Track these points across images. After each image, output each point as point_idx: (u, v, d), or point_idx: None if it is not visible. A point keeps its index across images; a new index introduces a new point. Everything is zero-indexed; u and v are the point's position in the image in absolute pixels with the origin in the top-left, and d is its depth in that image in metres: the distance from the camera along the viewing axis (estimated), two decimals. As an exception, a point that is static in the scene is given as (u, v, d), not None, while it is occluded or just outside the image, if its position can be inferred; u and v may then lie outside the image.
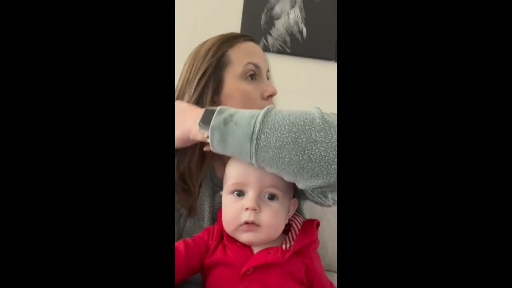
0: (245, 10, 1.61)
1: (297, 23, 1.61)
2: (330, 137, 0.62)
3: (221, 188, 0.80)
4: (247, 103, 0.82)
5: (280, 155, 0.63)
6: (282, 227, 0.70)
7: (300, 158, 0.62)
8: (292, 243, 0.69)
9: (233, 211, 0.69)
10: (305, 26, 1.61)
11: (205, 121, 0.67)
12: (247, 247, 0.69)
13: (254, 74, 0.85)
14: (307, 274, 0.69)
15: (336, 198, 0.69)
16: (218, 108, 0.68)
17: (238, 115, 0.66)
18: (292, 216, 0.74)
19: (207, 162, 0.84)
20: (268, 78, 0.89)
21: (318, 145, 0.62)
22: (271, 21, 1.61)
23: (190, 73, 0.84)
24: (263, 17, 1.61)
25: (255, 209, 0.67)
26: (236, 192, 0.70)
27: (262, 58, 0.88)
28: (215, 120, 0.66)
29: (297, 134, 0.62)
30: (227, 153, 0.67)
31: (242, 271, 0.66)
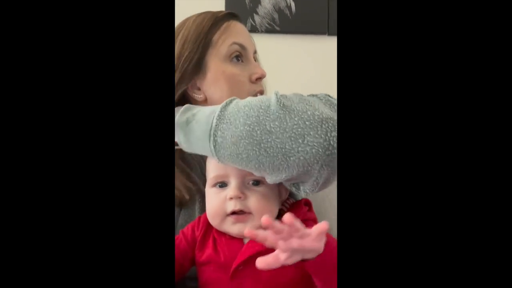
0: (228, -11, 1.54)
1: (284, -3, 1.55)
2: (285, 126, 0.57)
3: None
4: (234, 87, 0.78)
5: (238, 151, 0.60)
6: (276, 212, 0.68)
7: (257, 153, 0.59)
8: None
9: (216, 202, 0.67)
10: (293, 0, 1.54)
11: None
12: (237, 238, 0.66)
13: (240, 55, 0.80)
14: None
15: (308, 190, 0.64)
16: (183, 107, 0.68)
17: (200, 112, 0.65)
18: (284, 201, 0.71)
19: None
20: (255, 60, 0.84)
21: (273, 136, 0.57)
22: (257, -2, 1.55)
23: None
24: (247, -5, 1.55)
25: (239, 197, 0.65)
26: (218, 184, 0.67)
27: (248, 38, 0.83)
28: (178, 120, 0.66)
29: (251, 126, 0.58)
30: (194, 151, 0.67)
31: (232, 268, 0.63)
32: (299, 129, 0.57)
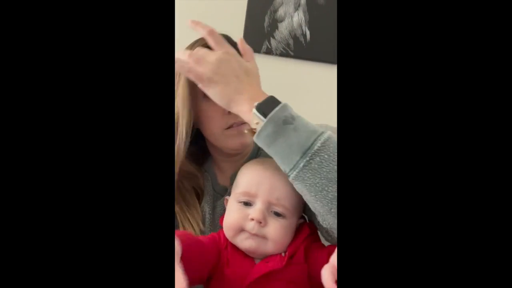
0: (249, 12, 1.61)
1: (300, 26, 1.61)
2: None
3: (221, 195, 0.81)
4: (207, 123, 0.78)
5: (327, 189, 0.59)
6: (288, 243, 0.68)
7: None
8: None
9: (237, 217, 0.66)
10: (309, 29, 1.61)
11: (264, 108, 0.61)
12: (248, 258, 0.66)
13: None
14: (311, 271, 0.66)
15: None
16: (283, 103, 0.62)
17: (300, 121, 0.61)
18: None
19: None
20: None
21: None
22: (275, 23, 1.61)
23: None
24: (266, 19, 1.61)
25: (260, 222, 0.65)
26: (243, 201, 0.68)
27: None
28: (276, 114, 0.60)
29: None
30: (269, 150, 0.62)
31: (243, 286, 0.63)
32: None
